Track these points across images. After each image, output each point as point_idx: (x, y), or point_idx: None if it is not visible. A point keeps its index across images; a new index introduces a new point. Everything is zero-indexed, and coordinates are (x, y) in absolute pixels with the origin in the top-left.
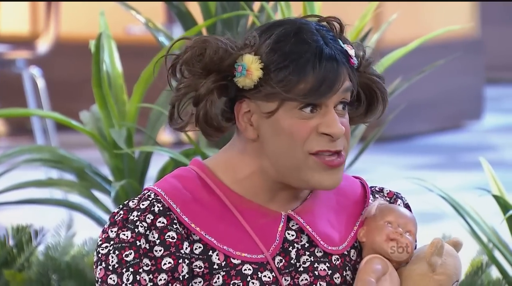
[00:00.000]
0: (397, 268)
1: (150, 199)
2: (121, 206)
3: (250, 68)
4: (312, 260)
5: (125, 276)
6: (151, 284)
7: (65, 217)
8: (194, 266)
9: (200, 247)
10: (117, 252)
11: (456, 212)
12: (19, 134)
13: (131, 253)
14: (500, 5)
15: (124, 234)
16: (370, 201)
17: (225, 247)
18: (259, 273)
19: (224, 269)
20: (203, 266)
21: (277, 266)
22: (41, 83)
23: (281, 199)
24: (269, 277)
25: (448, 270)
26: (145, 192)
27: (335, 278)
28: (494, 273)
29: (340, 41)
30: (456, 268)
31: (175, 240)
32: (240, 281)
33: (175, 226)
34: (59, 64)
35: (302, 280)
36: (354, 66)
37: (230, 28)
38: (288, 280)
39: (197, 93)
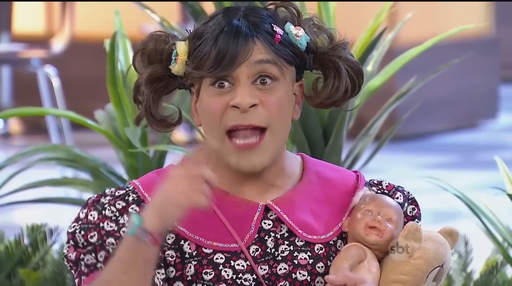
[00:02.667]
0: (381, 258)
1: (126, 189)
2: (97, 194)
3: (179, 53)
4: (292, 249)
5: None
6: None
7: None
8: (166, 255)
9: (172, 237)
10: (82, 232)
11: (471, 211)
12: (34, 133)
13: (95, 234)
14: None
15: (91, 215)
16: (359, 191)
17: (196, 237)
18: (231, 261)
19: (196, 258)
20: (174, 256)
21: (252, 255)
22: (56, 82)
23: (253, 188)
24: (243, 266)
25: (427, 254)
26: (127, 184)
27: (318, 267)
28: (509, 272)
29: (289, 22)
30: (438, 253)
31: None
32: (211, 270)
33: None
34: (74, 63)
35: (280, 269)
36: (300, 46)
37: None
38: (265, 269)
39: (138, 84)
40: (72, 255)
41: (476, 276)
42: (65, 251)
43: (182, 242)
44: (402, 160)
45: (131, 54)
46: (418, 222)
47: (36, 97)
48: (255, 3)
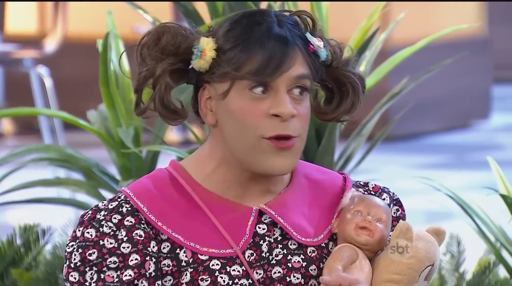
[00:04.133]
0: (372, 257)
1: (119, 200)
2: (92, 207)
3: (204, 49)
4: (285, 252)
5: (88, 274)
6: (117, 280)
7: (73, 216)
8: (163, 264)
9: (168, 246)
10: (80, 250)
11: (463, 211)
12: (27, 133)
13: (94, 252)
14: (508, 5)
15: (89, 233)
16: (347, 192)
17: (192, 244)
18: (227, 267)
19: (192, 266)
20: (171, 264)
21: (248, 260)
22: (48, 82)
23: (253, 193)
24: (238, 271)
25: (418, 253)
26: (118, 194)
27: (311, 270)
28: (502, 272)
29: (308, 33)
30: (429, 252)
31: (142, 238)
32: (208, 276)
33: (142, 225)
34: (67, 63)
35: (275, 272)
36: (320, 58)
37: None
38: (260, 274)
39: (153, 76)
40: (75, 274)
41: (468, 276)
42: (64, 271)
43: (178, 250)
44: (395, 160)
45: (123, 54)
46: None
47: (28, 97)
48: (247, 3)
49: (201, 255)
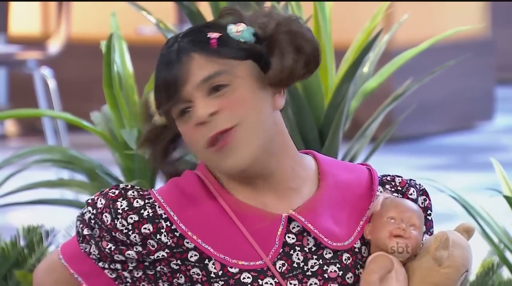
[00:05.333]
0: (405, 264)
1: (146, 201)
2: (121, 186)
3: (152, 105)
4: (321, 263)
5: (93, 246)
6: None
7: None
8: (192, 272)
9: (196, 255)
10: (97, 225)
11: (467, 212)
12: (30, 134)
13: (108, 237)
14: (511, 6)
15: (106, 217)
16: (377, 193)
17: (221, 256)
18: (259, 280)
19: (222, 279)
20: (200, 274)
21: (279, 270)
22: (52, 83)
23: (272, 195)
24: (271, 284)
25: (455, 262)
26: (148, 192)
27: (347, 278)
28: (505, 273)
29: (229, 26)
30: (464, 258)
31: (154, 248)
32: None
33: (157, 237)
34: (70, 64)
35: (311, 284)
36: (245, 39)
37: None
38: (295, 284)
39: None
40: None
41: (472, 277)
42: (79, 221)
43: (206, 261)
44: (398, 161)
45: (127, 55)
46: (430, 214)
47: (32, 98)
48: (250, 3)
49: (231, 267)
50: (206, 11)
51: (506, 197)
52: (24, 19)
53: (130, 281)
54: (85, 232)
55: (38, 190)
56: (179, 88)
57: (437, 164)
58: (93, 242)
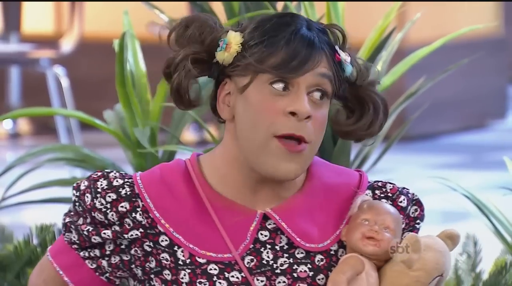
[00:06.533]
0: (380, 267)
1: (125, 180)
2: (105, 170)
3: (230, 43)
4: (291, 261)
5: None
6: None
7: None
8: (161, 257)
9: (166, 240)
10: (81, 207)
11: (480, 211)
12: (43, 133)
13: (87, 219)
14: None
15: (87, 197)
16: (357, 196)
17: (190, 245)
18: (225, 273)
19: (189, 267)
20: (169, 260)
21: (247, 266)
22: (65, 82)
23: (262, 197)
24: (237, 278)
25: (426, 265)
26: (130, 176)
27: (318, 279)
28: None
29: (337, 46)
30: (438, 262)
31: (130, 227)
32: (206, 280)
33: (133, 215)
34: (83, 63)
35: (279, 282)
36: (345, 72)
37: None
38: (263, 281)
39: (174, 60)
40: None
41: (485, 276)
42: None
43: (176, 248)
44: (411, 160)
45: (140, 54)
46: (419, 224)
47: (45, 97)
48: (263, 3)
49: (199, 257)
50: (219, 10)
51: None
52: (37, 18)
53: (108, 271)
54: (67, 220)
55: (51, 189)
56: (305, 67)
57: (450, 163)
58: (73, 227)
